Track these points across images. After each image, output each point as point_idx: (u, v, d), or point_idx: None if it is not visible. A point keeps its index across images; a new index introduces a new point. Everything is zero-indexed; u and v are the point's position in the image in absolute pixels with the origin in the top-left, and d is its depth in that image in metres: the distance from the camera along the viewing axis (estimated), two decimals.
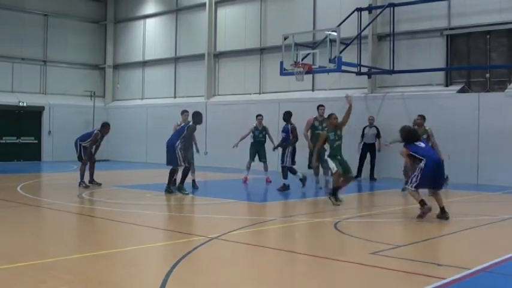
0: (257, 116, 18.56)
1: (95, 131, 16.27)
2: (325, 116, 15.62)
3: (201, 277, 6.58)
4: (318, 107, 17.08)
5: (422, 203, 10.52)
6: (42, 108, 28.82)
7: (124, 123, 29.77)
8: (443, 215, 10.54)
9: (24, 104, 28.18)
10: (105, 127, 16.65)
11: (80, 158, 16.18)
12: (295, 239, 9.18)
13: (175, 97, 28.77)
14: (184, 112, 16.78)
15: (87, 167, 16.20)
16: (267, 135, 18.39)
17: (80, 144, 16.15)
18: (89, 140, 16.09)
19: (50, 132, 28.97)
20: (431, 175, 10.56)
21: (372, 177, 19.84)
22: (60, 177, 20.23)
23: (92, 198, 13.48)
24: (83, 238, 9.26)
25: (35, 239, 9.09)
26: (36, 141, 28.87)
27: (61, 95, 29.70)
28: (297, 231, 9.77)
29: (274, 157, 18.75)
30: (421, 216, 10.48)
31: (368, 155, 20.08)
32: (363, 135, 19.91)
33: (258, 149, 18.46)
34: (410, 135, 11.21)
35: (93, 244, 8.53)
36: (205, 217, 11.19)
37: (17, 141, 28.24)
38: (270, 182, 17.59)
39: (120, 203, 12.67)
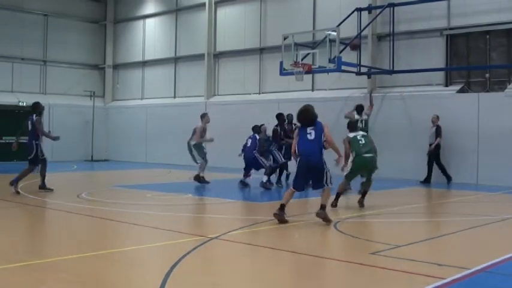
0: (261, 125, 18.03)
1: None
2: None
3: (201, 277, 6.58)
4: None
5: (282, 207, 10.06)
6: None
7: (123, 123, 29.79)
8: (320, 211, 9.96)
9: (24, 104, 28.13)
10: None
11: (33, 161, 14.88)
12: (295, 239, 9.17)
13: (175, 97, 28.76)
14: (205, 115, 17.83)
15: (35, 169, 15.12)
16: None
17: (37, 144, 15.08)
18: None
19: (49, 132, 28.91)
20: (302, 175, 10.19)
21: (448, 179, 18.31)
22: (60, 177, 20.23)
23: (91, 198, 13.48)
24: (83, 238, 9.25)
25: (35, 238, 9.08)
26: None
27: (61, 95, 29.69)
28: (297, 231, 9.77)
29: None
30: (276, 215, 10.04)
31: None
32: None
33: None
34: (300, 116, 10.57)
35: (92, 244, 8.53)
36: (205, 217, 11.20)
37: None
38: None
39: (120, 203, 12.67)
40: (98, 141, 30.16)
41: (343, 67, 18.41)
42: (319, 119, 10.33)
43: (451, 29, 20.12)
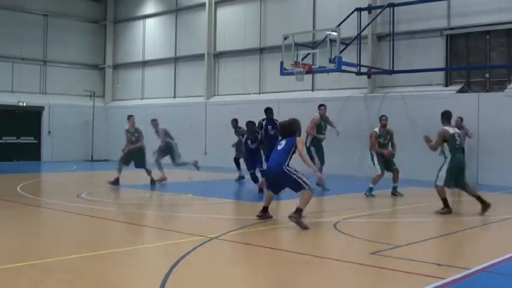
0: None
1: None
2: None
3: (201, 277, 6.57)
4: (319, 107, 16.83)
5: (264, 209, 10.46)
6: (42, 108, 28.83)
7: (123, 123, 29.75)
8: (294, 214, 9.61)
9: (24, 104, 28.18)
10: None
11: None
12: (294, 239, 9.16)
13: (175, 97, 28.77)
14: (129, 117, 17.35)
15: None
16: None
17: None
18: None
19: (49, 132, 28.96)
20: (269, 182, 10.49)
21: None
22: (60, 177, 20.23)
23: (91, 198, 13.47)
24: (82, 238, 9.25)
25: (34, 239, 9.08)
26: (36, 141, 28.87)
27: (61, 95, 29.70)
28: (296, 231, 9.76)
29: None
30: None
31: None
32: None
33: None
34: (281, 129, 10.76)
35: (92, 244, 8.53)
36: (204, 217, 11.19)
37: (17, 141, 28.24)
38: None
39: (120, 203, 12.67)
40: (97, 141, 30.16)
41: (343, 67, 18.42)
42: (299, 136, 10.50)
43: (451, 29, 20.13)
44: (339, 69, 18.34)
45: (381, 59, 21.36)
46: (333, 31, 18.10)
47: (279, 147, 10.25)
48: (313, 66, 18.38)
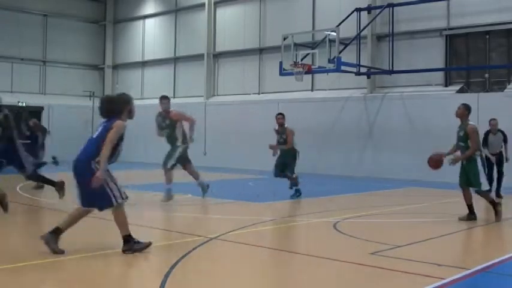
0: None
1: None
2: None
3: (200, 277, 6.57)
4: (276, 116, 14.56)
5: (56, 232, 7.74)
6: (42, 108, 28.81)
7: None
8: (125, 246, 7.66)
9: (24, 104, 28.15)
10: None
11: None
12: (294, 239, 9.16)
13: (174, 97, 28.73)
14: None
15: None
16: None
17: None
18: None
19: (49, 132, 28.91)
20: None
21: (498, 194, 14.67)
22: (59, 178, 20.18)
23: None
24: (83, 238, 9.24)
25: (34, 239, 9.07)
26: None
27: (60, 95, 29.69)
28: (296, 232, 9.76)
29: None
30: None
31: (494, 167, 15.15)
32: (486, 144, 15.03)
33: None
34: (100, 106, 7.91)
35: (92, 244, 8.51)
36: (204, 217, 11.19)
37: None
38: None
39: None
40: None
41: (342, 67, 18.45)
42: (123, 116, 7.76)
43: (450, 29, 20.14)
44: (338, 70, 18.37)
45: (381, 59, 21.37)
46: (332, 31, 18.12)
47: (93, 136, 7.75)
48: (312, 67, 18.41)
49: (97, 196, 7.42)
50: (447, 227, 10.15)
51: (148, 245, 7.68)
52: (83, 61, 31.29)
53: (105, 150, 7.32)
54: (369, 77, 21.23)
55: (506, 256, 7.65)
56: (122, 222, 7.70)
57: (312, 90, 23.41)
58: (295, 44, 18.78)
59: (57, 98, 29.43)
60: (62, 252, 7.38)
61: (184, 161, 13.74)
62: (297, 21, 23.24)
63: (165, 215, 11.46)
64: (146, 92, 30.19)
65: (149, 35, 30.31)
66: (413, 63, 20.25)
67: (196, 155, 25.87)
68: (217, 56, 27.01)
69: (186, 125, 13.51)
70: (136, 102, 27.13)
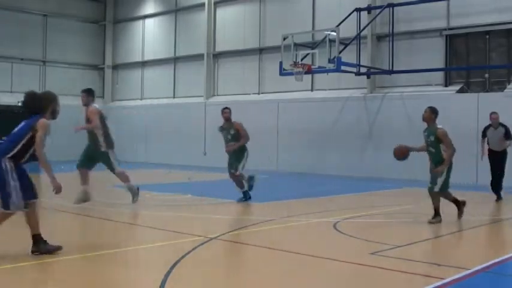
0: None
1: None
2: None
3: (200, 277, 6.58)
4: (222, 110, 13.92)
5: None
6: None
7: (123, 124, 29.76)
8: (34, 247, 7.34)
9: None
10: None
11: None
12: (294, 239, 9.15)
13: (174, 97, 28.76)
14: None
15: None
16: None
17: None
18: None
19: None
20: None
21: (498, 195, 14.15)
22: (60, 177, 20.19)
23: (92, 199, 13.45)
24: (83, 238, 9.25)
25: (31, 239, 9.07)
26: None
27: (60, 95, 29.48)
28: (297, 231, 9.76)
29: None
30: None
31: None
32: (485, 140, 14.61)
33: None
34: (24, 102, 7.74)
35: (92, 244, 8.52)
36: (204, 217, 11.18)
37: None
38: None
39: (119, 203, 12.66)
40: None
41: (342, 67, 18.45)
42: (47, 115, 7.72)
43: (450, 29, 20.14)
44: (338, 70, 18.36)
45: (381, 59, 21.37)
46: (332, 31, 18.13)
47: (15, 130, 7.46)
48: (312, 67, 18.42)
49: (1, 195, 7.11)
50: (447, 227, 10.15)
51: (58, 248, 7.37)
52: (82, 61, 31.28)
53: (40, 156, 7.31)
54: (368, 77, 21.22)
55: (506, 256, 7.65)
56: (32, 222, 7.39)
57: (311, 90, 23.40)
58: (295, 44, 18.79)
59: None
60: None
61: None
62: (297, 21, 23.23)
63: (164, 215, 11.46)
64: (146, 92, 30.18)
65: (149, 35, 30.30)
66: (413, 63, 20.24)
67: (196, 155, 25.99)
68: (217, 56, 27.01)
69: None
70: (136, 102, 27.25)
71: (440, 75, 20.33)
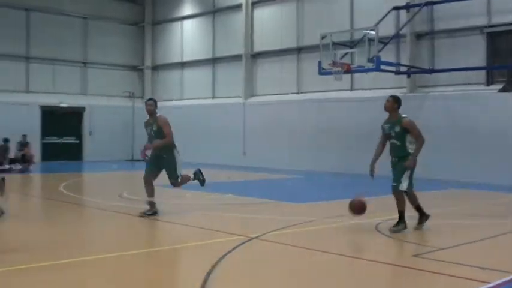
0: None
1: None
2: None
3: (241, 277, 6.62)
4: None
5: None
6: (83, 109, 29.32)
7: None
8: None
9: (65, 105, 28.68)
10: None
11: None
12: (334, 240, 9.13)
13: (213, 97, 28.90)
14: None
15: None
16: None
17: None
18: None
19: (90, 132, 29.41)
20: None
21: None
22: (101, 177, 20.54)
23: (132, 197, 13.65)
24: (123, 237, 9.39)
25: (76, 237, 9.25)
26: (77, 141, 29.41)
27: (101, 96, 30.11)
28: (337, 233, 9.73)
29: None
30: None
31: None
32: None
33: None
34: None
35: (133, 243, 8.65)
36: (244, 217, 11.23)
37: (59, 141, 28.78)
38: None
39: (160, 202, 12.79)
40: (138, 141, 30.50)
41: (382, 66, 18.33)
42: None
43: (491, 26, 19.80)
44: (377, 69, 18.25)
45: (420, 58, 21.14)
46: (371, 30, 18.02)
47: None
48: (351, 66, 18.34)
49: None
50: (489, 229, 10.01)
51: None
52: (122, 62, 31.67)
53: None
54: (408, 76, 21.01)
55: None
56: None
57: (351, 89, 23.27)
58: (334, 43, 18.74)
59: (98, 98, 29.86)
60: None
61: None
62: (335, 20, 23.11)
63: (205, 214, 11.53)
64: (186, 93, 30.38)
65: (188, 35, 30.51)
66: (454, 62, 19.97)
67: (235, 154, 26.06)
68: (255, 56, 27.05)
69: None
70: (175, 103, 27.56)
71: (481, 74, 20.00)
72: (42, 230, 9.92)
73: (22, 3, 27.91)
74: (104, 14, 30.65)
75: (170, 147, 11.24)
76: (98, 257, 7.44)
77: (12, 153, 23.65)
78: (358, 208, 9.51)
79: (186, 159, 28.92)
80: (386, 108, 9.68)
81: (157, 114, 11.23)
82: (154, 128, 11.17)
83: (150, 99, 11.57)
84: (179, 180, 11.17)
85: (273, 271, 7.01)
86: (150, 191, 11.00)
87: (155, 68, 32.26)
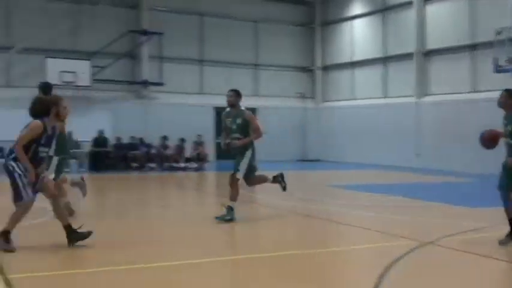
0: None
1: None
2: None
3: (415, 282, 6.56)
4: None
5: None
6: (255, 110, 30.22)
7: (334, 124, 30.29)
8: None
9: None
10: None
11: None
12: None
13: (385, 97, 28.57)
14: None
15: None
16: None
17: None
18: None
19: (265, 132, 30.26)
20: None
21: None
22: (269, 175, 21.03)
23: (306, 197, 13.92)
24: (292, 236, 9.66)
25: (247, 234, 9.61)
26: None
27: (272, 97, 30.88)
28: None
29: None
30: None
31: None
32: None
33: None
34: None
35: (304, 243, 8.87)
36: (416, 220, 11.05)
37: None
38: None
39: (333, 203, 12.96)
40: (309, 141, 31.06)
41: None
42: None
43: None
44: None
45: None
46: None
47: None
48: None
49: (13, 189, 7.64)
50: None
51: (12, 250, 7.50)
52: (293, 63, 32.28)
53: (18, 151, 7.56)
54: None
55: None
56: (14, 218, 7.66)
57: None
58: (510, 39, 17.84)
59: (270, 99, 30.64)
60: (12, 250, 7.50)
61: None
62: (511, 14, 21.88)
63: (377, 216, 11.50)
64: (357, 93, 30.30)
65: (357, 35, 30.43)
66: None
67: (407, 155, 25.57)
68: (428, 54, 26.36)
69: None
70: (347, 103, 27.64)
71: None
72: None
73: (196, 9, 29.39)
74: (273, 16, 31.42)
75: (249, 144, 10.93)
76: (274, 255, 7.76)
77: (188, 152, 25.02)
78: (489, 140, 8.85)
79: (357, 159, 28.86)
80: (500, 104, 8.77)
81: (242, 108, 10.94)
82: (239, 121, 10.81)
83: (232, 90, 11.19)
84: (237, 175, 10.84)
85: (449, 280, 6.72)
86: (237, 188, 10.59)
87: (325, 68, 32.53)
